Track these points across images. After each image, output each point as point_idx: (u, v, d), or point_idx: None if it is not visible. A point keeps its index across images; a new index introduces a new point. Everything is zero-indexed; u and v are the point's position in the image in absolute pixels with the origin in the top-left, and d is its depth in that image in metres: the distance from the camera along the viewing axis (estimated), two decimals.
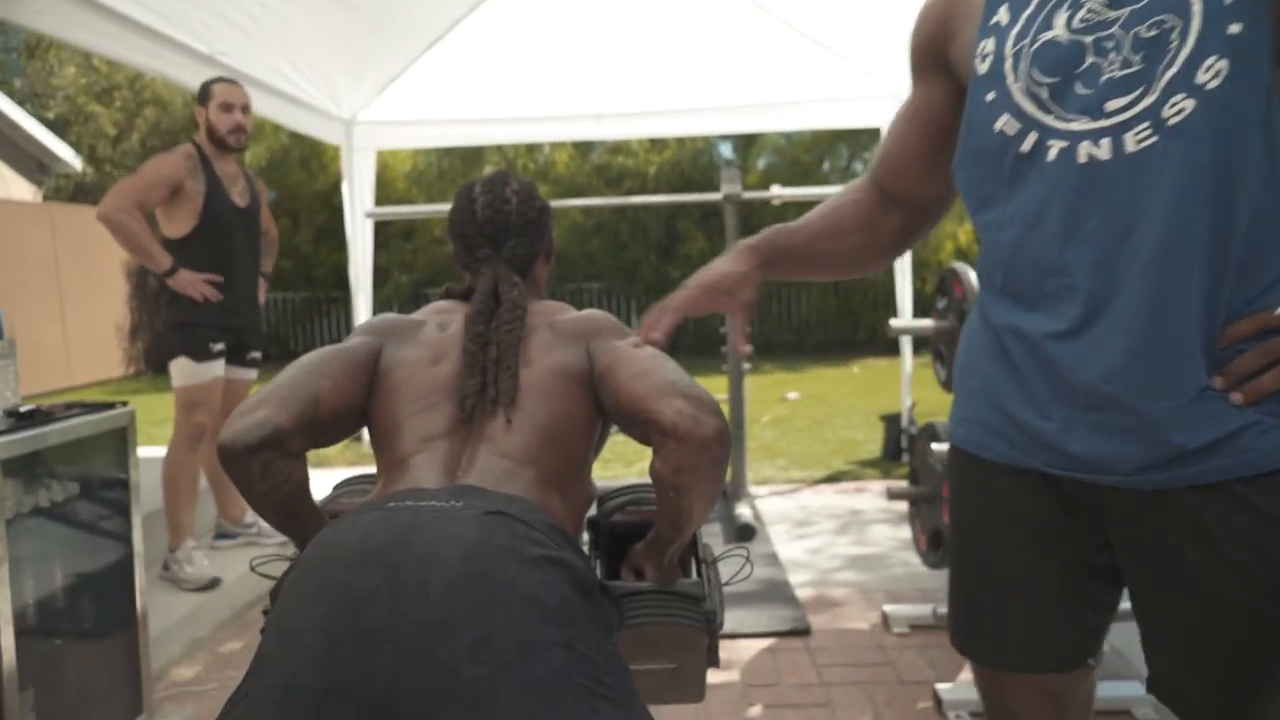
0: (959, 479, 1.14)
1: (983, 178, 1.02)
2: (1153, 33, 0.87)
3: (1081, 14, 0.92)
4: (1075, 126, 0.91)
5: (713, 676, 2.46)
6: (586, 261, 12.31)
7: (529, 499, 1.08)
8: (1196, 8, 0.85)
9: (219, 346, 3.05)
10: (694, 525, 1.15)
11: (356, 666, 0.88)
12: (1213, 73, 0.84)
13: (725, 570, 1.28)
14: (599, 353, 1.22)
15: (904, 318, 4.95)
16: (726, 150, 12.69)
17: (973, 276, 2.52)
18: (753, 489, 4.60)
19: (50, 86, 13.63)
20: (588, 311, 1.33)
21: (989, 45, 0.99)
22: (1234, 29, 0.83)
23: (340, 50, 4.04)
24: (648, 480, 1.13)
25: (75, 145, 12.35)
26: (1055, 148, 0.93)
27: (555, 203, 5.09)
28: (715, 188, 13.24)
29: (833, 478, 4.87)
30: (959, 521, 1.15)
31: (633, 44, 4.54)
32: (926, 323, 2.67)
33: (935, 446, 2.26)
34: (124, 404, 2.16)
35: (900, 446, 5.06)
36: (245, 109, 3.11)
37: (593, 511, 1.36)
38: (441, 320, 1.32)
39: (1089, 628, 1.09)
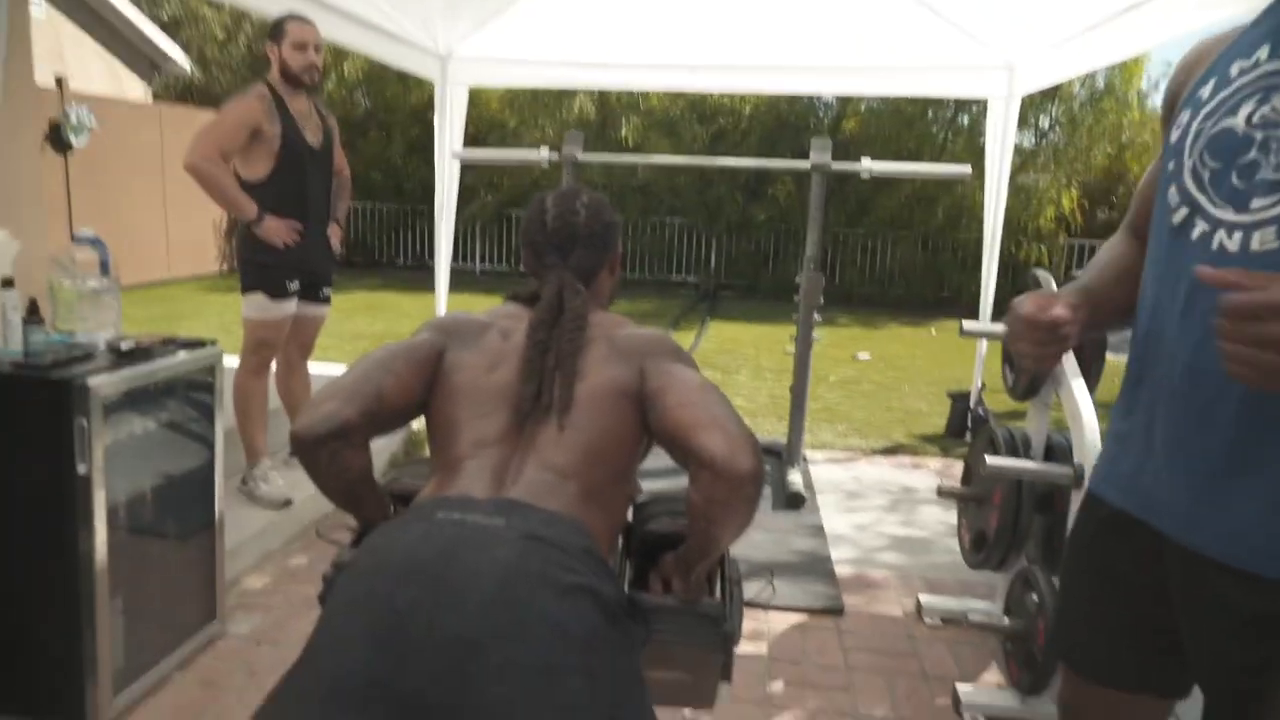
0: (1081, 507, 1.26)
1: (1155, 237, 1.10)
2: None
3: (1265, 110, 0.96)
4: (1219, 214, 0.98)
5: (740, 647, 2.55)
6: (672, 195, 12.23)
7: (570, 516, 1.15)
8: None
9: (294, 285, 3.17)
10: (721, 550, 1.21)
11: (397, 669, 0.98)
12: None
13: (749, 590, 1.35)
14: (652, 373, 1.27)
15: (982, 320, 4.84)
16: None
17: (1053, 285, 2.46)
18: (809, 453, 4.64)
19: None
20: (648, 330, 1.37)
21: (1185, 116, 1.06)
22: None
23: None
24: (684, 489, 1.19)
25: (185, 47, 12.69)
26: (1199, 229, 1.00)
27: (640, 158, 5.08)
28: (810, 130, 12.83)
29: (891, 450, 4.86)
30: (1070, 541, 1.28)
31: None
32: (1000, 327, 2.62)
33: (989, 460, 2.25)
34: (214, 343, 2.32)
35: (965, 426, 5.00)
36: (318, 47, 3.10)
37: (629, 518, 1.43)
38: (505, 327, 1.38)
39: (1157, 659, 1.16)
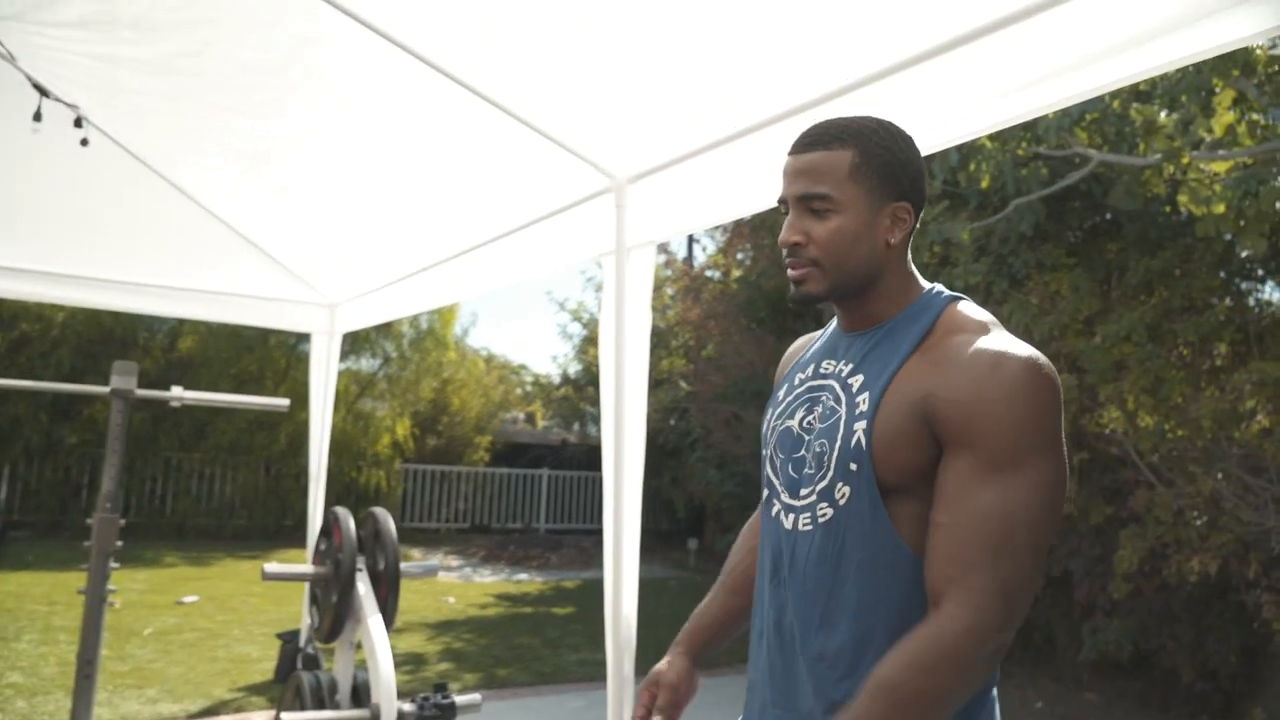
0: None
1: (760, 509, 1.33)
2: (820, 450, 1.18)
3: (810, 417, 1.23)
4: (786, 499, 1.23)
5: None
6: None
7: None
8: (838, 444, 1.17)
9: None
10: None
11: None
12: (841, 493, 1.16)
13: None
14: None
15: (309, 550, 4.80)
16: None
17: (352, 525, 2.53)
18: None
19: None
20: None
21: (769, 413, 1.31)
22: (853, 466, 1.15)
23: None
24: None
25: None
26: (775, 507, 1.25)
27: None
28: (140, 345, 11.73)
29: (211, 710, 4.33)
30: None
31: (36, 191, 3.90)
32: (305, 568, 2.59)
33: (284, 716, 2.13)
34: None
35: (296, 668, 4.74)
36: None
37: None
38: None
39: None
